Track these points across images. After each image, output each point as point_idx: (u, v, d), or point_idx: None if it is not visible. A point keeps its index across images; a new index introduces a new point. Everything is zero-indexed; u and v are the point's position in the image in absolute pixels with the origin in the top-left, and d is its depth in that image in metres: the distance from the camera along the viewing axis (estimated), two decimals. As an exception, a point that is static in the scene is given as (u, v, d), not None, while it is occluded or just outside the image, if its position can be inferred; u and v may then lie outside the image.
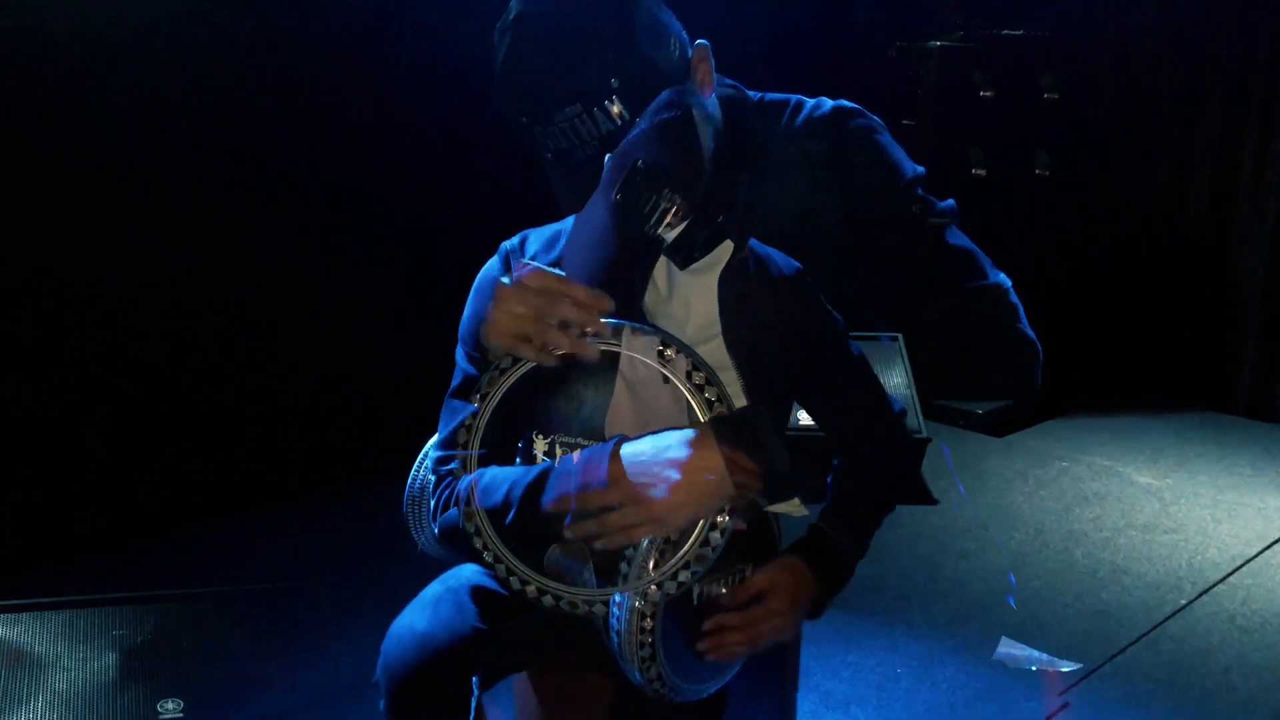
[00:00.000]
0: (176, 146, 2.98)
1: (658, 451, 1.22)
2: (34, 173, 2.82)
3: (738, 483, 1.22)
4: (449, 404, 1.38)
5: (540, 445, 1.28)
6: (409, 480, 1.55)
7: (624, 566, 1.24)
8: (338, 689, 2.47)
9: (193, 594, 2.49)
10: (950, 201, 1.40)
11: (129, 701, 2.31)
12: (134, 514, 2.90)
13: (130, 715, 2.30)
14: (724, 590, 1.36)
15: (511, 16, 1.44)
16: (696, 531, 1.23)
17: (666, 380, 1.27)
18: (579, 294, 1.25)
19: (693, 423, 1.26)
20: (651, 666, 1.28)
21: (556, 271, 1.27)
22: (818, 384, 1.42)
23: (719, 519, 1.24)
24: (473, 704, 1.25)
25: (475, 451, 1.27)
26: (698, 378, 1.27)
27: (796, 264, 1.40)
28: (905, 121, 4.01)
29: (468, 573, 1.38)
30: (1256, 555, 3.04)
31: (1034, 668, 2.50)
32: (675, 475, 1.20)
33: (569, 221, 1.39)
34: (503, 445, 1.31)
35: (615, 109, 1.30)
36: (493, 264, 1.42)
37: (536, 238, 1.43)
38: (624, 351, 1.26)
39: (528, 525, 1.24)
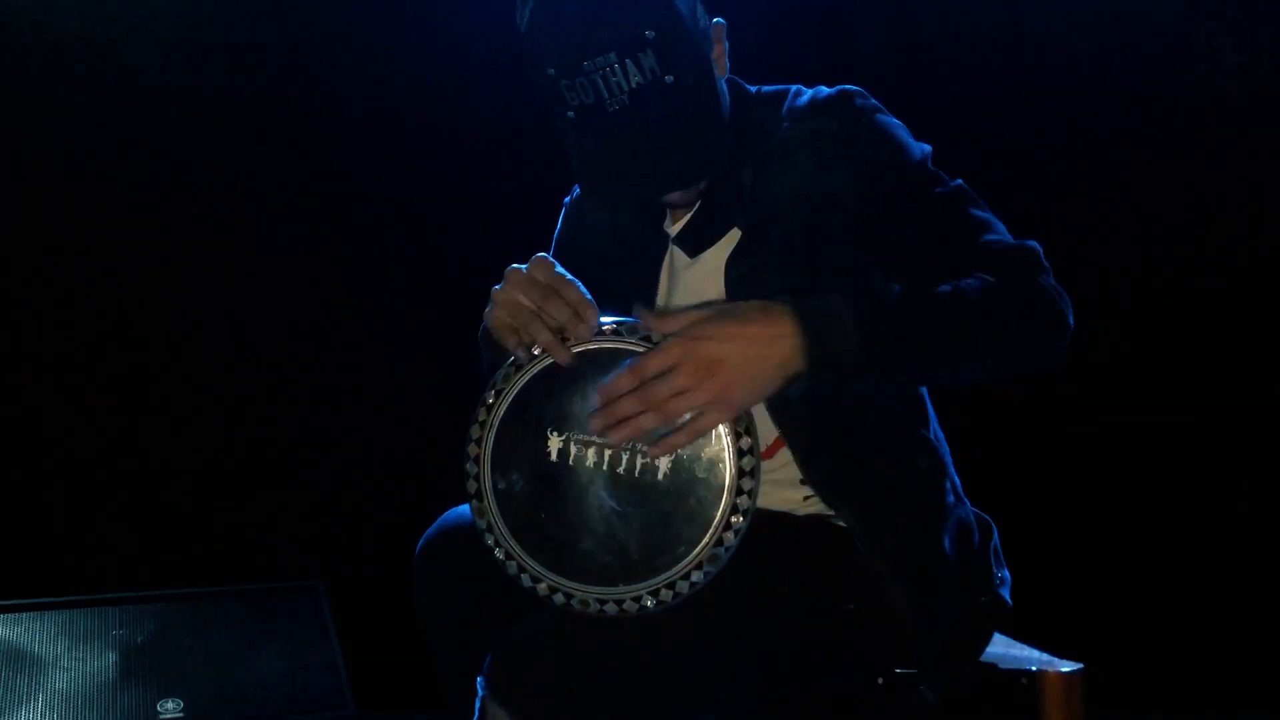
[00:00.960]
0: (178, 154, 2.98)
1: (727, 309, 1.22)
2: (35, 178, 2.82)
3: (812, 356, 1.18)
4: None
5: (555, 443, 1.27)
6: None
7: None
8: (338, 689, 2.47)
9: (193, 594, 2.49)
10: (960, 180, 1.40)
11: (129, 701, 2.31)
12: (134, 514, 2.90)
13: (130, 715, 2.29)
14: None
15: None
16: (710, 530, 1.21)
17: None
18: (571, 296, 1.25)
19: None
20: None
21: (560, 270, 1.27)
22: (892, 235, 1.36)
23: (733, 519, 1.21)
24: (475, 704, 1.24)
25: (484, 454, 1.27)
26: None
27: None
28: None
29: None
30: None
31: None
32: (748, 330, 1.18)
33: None
34: (516, 442, 1.30)
35: (648, 61, 1.28)
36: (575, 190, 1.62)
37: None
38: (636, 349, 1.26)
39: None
